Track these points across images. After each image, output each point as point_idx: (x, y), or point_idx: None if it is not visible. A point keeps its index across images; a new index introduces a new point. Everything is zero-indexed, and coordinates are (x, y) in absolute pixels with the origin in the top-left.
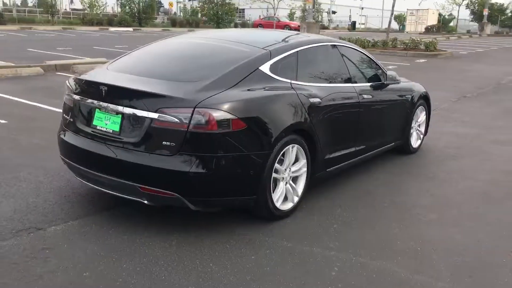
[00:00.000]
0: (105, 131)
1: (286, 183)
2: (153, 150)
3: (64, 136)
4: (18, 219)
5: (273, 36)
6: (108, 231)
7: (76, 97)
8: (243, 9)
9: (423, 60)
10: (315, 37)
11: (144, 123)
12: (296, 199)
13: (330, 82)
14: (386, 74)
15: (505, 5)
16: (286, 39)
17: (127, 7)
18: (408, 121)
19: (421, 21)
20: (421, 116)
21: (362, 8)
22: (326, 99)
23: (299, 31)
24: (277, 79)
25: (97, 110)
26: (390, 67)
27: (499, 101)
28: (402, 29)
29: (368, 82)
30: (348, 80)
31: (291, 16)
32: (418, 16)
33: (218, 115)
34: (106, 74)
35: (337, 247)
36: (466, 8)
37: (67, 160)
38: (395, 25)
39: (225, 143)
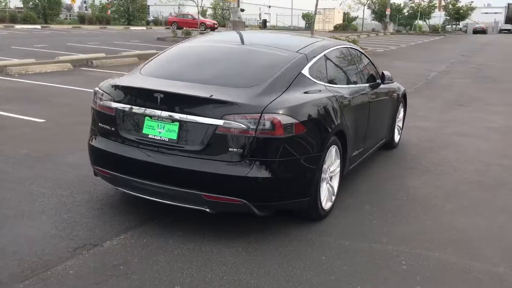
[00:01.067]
0: (160, 140)
1: (327, 183)
2: (218, 157)
3: (102, 145)
4: (66, 236)
5: (296, 39)
6: (168, 241)
7: (118, 105)
8: (148, 6)
9: None
10: (331, 40)
11: (207, 130)
12: (333, 198)
13: (350, 83)
14: (384, 74)
15: (402, 5)
16: (311, 43)
17: (30, 2)
18: (394, 118)
19: (328, 20)
20: (401, 113)
21: (270, 7)
22: (352, 100)
23: (215, 29)
24: (315, 82)
25: (146, 118)
26: None
27: (436, 96)
28: (309, 27)
29: (368, 82)
30: (361, 80)
31: (203, 13)
32: (325, 15)
33: (284, 119)
34: (152, 80)
35: (391, 242)
36: (367, 8)
37: (107, 171)
38: (302, 23)
39: (290, 147)
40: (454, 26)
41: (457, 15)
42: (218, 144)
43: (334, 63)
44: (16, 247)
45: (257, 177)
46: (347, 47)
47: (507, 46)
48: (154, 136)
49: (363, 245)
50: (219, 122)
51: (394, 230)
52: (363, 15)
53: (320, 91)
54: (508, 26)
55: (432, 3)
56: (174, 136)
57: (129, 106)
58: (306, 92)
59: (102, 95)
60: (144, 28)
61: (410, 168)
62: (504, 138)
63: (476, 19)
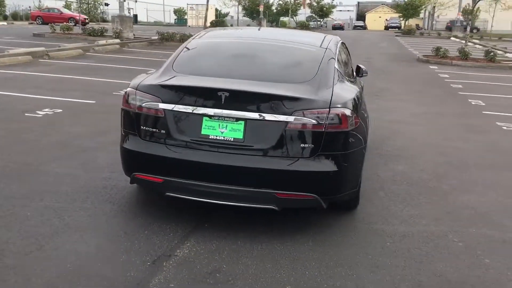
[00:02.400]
0: (223, 140)
1: None
2: (290, 154)
3: (148, 150)
4: (130, 250)
5: (305, 34)
6: (236, 243)
7: (169, 106)
8: None
9: None
10: (329, 35)
11: (276, 127)
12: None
13: (351, 76)
14: (360, 67)
15: (270, 2)
16: (324, 37)
17: None
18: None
19: (201, 16)
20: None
21: (136, 1)
22: (361, 91)
23: (86, 23)
24: (343, 75)
25: (205, 118)
26: None
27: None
28: (180, 23)
29: (354, 74)
30: (352, 73)
31: (68, 7)
32: (198, 11)
33: (348, 113)
34: (201, 79)
35: (429, 223)
36: (238, 4)
37: (157, 176)
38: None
39: (351, 139)
40: (317, 22)
41: (321, 12)
42: (289, 141)
43: (342, 57)
44: (92, 269)
45: (328, 171)
46: (342, 42)
47: (373, 41)
48: (216, 136)
49: (410, 228)
50: (290, 118)
51: (421, 213)
52: (237, 10)
53: (348, 83)
54: (360, 23)
55: (298, 0)
56: (240, 135)
57: (182, 106)
58: (345, 85)
59: (142, 95)
60: (4, 23)
61: (384, 154)
62: (430, 122)
63: (333, 16)
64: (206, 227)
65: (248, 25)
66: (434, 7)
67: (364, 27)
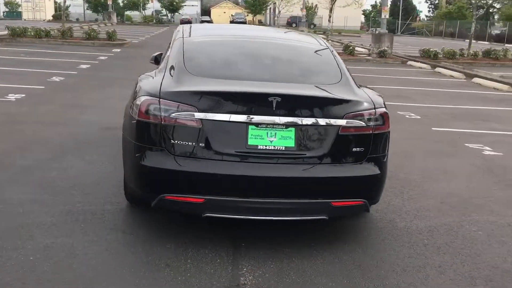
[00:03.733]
0: (274, 150)
1: None
2: (343, 159)
3: (185, 167)
4: (200, 284)
5: (294, 32)
6: (292, 259)
7: (206, 115)
8: None
9: (118, 50)
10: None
11: (329, 132)
12: None
13: None
14: None
15: None
16: (311, 36)
17: None
18: None
19: (39, 9)
20: None
21: None
22: None
23: None
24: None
25: (251, 127)
26: (102, 58)
27: None
28: (11, 16)
29: None
30: None
31: None
32: (34, 3)
33: (388, 113)
34: (235, 83)
35: (443, 216)
36: None
37: (195, 196)
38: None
39: (388, 140)
40: (167, 17)
41: (172, 6)
42: (341, 145)
43: None
44: None
45: (376, 174)
46: None
47: None
48: (266, 146)
49: (427, 222)
50: (342, 122)
51: (422, 205)
52: (83, 4)
53: None
54: (207, 18)
55: None
56: (291, 143)
57: (224, 115)
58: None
59: (168, 104)
60: None
61: None
62: None
63: (181, 11)
64: (244, 246)
65: (96, 20)
66: (275, 3)
67: (210, 22)
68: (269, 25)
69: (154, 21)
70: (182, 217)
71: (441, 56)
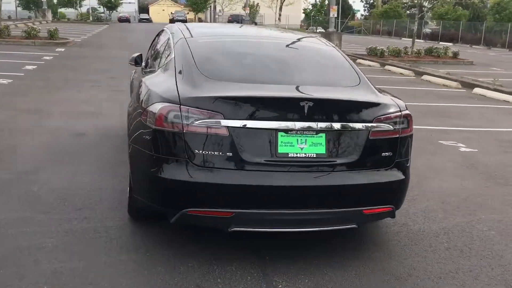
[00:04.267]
0: (305, 157)
1: None
2: (373, 165)
3: (210, 179)
4: None
5: (292, 32)
6: (323, 272)
7: (233, 122)
8: None
9: (62, 49)
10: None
11: (359, 137)
12: None
13: None
14: None
15: None
16: (317, 37)
17: None
18: None
19: None
20: None
21: None
22: None
23: None
24: None
25: (280, 134)
26: (47, 58)
27: None
28: None
29: None
30: None
31: None
32: None
33: (411, 116)
34: (257, 87)
35: (451, 217)
36: None
37: (224, 210)
38: None
39: (412, 144)
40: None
41: (110, 4)
42: (372, 151)
43: None
44: None
45: (403, 179)
46: None
47: None
48: (296, 154)
49: (439, 224)
50: (372, 126)
51: (426, 206)
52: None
53: None
54: (146, 16)
55: None
56: (322, 150)
57: (252, 122)
58: None
59: (191, 111)
60: None
61: None
62: None
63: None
64: (269, 259)
65: (29, 18)
66: (215, 1)
67: (150, 20)
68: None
69: (91, 18)
70: (192, 231)
71: (387, 54)
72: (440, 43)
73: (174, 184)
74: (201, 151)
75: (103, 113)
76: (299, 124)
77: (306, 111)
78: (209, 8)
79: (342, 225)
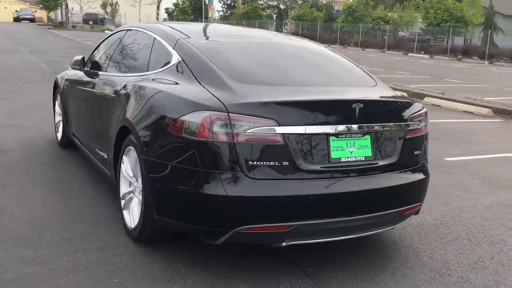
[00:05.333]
0: (355, 161)
1: None
2: (408, 165)
3: (271, 191)
4: None
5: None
6: (373, 278)
7: (287, 129)
8: None
9: None
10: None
11: (399, 137)
12: None
13: None
14: None
15: None
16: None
17: None
18: None
19: None
20: None
21: None
22: None
23: None
24: None
25: (332, 138)
26: None
27: None
28: None
29: None
30: None
31: None
32: None
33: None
34: (294, 89)
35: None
36: None
37: (281, 224)
38: None
39: None
40: None
41: None
42: (407, 150)
43: None
44: None
45: (427, 177)
46: None
47: (45, 36)
48: (348, 158)
49: (433, 216)
50: (408, 125)
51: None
52: None
53: None
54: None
55: None
56: (368, 152)
57: (305, 127)
58: None
59: (241, 119)
60: None
61: None
62: None
63: None
64: (311, 270)
65: None
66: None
67: None
68: (64, 21)
69: None
70: (217, 248)
71: None
72: None
73: (227, 201)
74: (255, 162)
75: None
76: (349, 127)
77: (357, 113)
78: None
79: (385, 227)
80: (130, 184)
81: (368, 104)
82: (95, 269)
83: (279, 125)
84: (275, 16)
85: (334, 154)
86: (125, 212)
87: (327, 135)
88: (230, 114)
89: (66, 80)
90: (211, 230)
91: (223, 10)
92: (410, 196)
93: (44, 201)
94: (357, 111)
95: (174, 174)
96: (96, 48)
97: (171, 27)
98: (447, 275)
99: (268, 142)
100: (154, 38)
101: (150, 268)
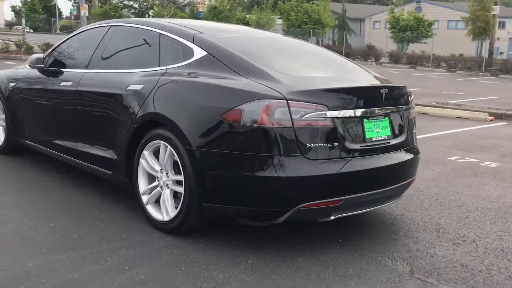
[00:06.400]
0: (381, 140)
1: None
2: (410, 143)
3: (325, 170)
4: None
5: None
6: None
7: (336, 113)
8: None
9: None
10: None
11: (405, 117)
12: None
13: None
14: None
15: None
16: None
17: None
18: None
19: None
20: None
21: None
22: None
23: None
24: None
25: (365, 120)
26: None
27: None
28: None
29: None
30: None
31: None
32: None
33: None
34: (334, 78)
35: None
36: None
37: (334, 199)
38: None
39: None
40: None
41: None
42: (410, 130)
43: None
44: None
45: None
46: None
47: None
48: (376, 137)
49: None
50: (409, 107)
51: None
52: None
53: None
54: None
55: None
56: (388, 132)
57: (348, 111)
58: None
59: (299, 106)
60: None
61: None
62: None
63: None
64: (342, 241)
65: None
66: None
67: None
68: None
69: None
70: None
71: None
72: None
73: (289, 181)
74: (311, 144)
75: None
76: (376, 110)
77: (384, 98)
78: None
79: (399, 198)
80: (155, 178)
81: (389, 89)
82: (155, 261)
83: (329, 109)
84: (133, 16)
85: (367, 134)
86: (149, 207)
87: (362, 117)
88: (288, 101)
89: (15, 80)
90: (272, 210)
91: (74, 9)
92: (413, 169)
93: (35, 207)
94: (383, 95)
95: (231, 161)
96: (57, 47)
97: (173, 23)
98: (446, 233)
99: (320, 126)
100: (160, 33)
101: (206, 254)
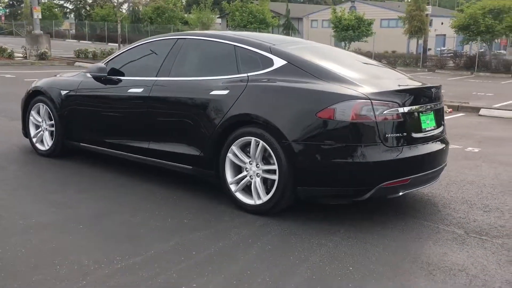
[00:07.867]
0: (432, 130)
1: None
2: (445, 132)
3: (400, 155)
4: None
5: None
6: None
7: (405, 109)
8: None
9: None
10: None
11: (441, 111)
12: None
13: None
14: None
15: None
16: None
17: None
18: None
19: None
20: None
21: None
22: None
23: None
24: None
25: (421, 114)
26: None
27: None
28: None
29: None
30: None
31: None
32: None
33: None
34: (395, 81)
35: None
36: None
37: (407, 177)
38: None
39: None
40: None
41: None
42: (443, 121)
43: None
44: None
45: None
46: None
47: None
48: (428, 128)
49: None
50: (441, 102)
51: None
52: None
53: None
54: None
55: None
56: (434, 123)
57: (412, 107)
58: None
59: (379, 104)
60: None
61: None
62: None
63: None
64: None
65: None
66: None
67: None
68: None
69: None
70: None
71: (100, 56)
72: (109, 44)
73: (375, 165)
74: (388, 135)
75: None
76: (427, 106)
77: (432, 95)
78: None
79: (438, 179)
80: (242, 169)
81: (436, 88)
82: (268, 235)
83: (399, 106)
84: (73, 16)
85: (423, 125)
86: (238, 194)
87: (420, 111)
88: (372, 101)
89: (68, 88)
90: (360, 189)
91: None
92: (447, 155)
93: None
94: (432, 94)
95: (324, 150)
96: (116, 57)
97: (243, 36)
98: (474, 204)
99: (395, 119)
100: (235, 45)
101: (302, 228)
